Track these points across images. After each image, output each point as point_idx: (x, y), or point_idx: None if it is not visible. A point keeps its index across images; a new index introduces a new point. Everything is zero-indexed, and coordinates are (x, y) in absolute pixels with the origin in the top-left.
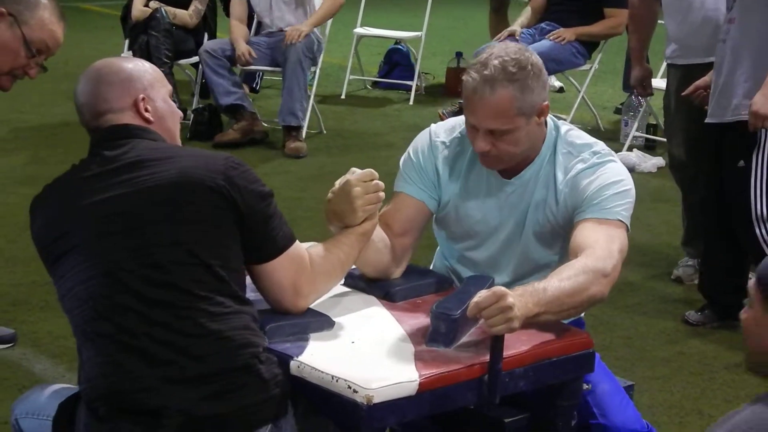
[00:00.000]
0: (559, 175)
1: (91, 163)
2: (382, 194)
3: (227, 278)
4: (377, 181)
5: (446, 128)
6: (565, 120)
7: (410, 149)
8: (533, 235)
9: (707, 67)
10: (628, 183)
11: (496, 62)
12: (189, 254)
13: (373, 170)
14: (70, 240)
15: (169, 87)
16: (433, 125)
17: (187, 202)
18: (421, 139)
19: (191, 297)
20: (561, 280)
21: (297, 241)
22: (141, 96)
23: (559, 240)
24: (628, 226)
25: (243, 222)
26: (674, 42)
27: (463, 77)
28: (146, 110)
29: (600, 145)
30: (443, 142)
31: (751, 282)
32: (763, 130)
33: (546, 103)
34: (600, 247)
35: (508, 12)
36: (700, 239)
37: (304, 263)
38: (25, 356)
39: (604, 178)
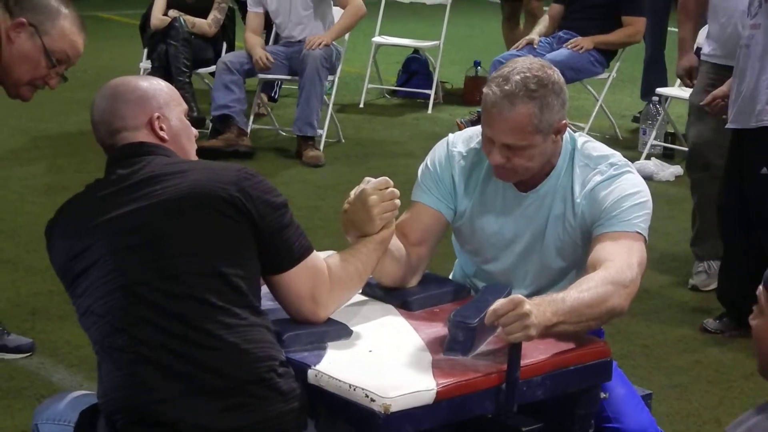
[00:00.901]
0: (577, 188)
1: (106, 183)
2: (398, 201)
3: (244, 289)
4: (393, 189)
5: (464, 138)
6: (583, 129)
7: (428, 159)
8: (553, 249)
9: None
10: (646, 194)
11: (517, 78)
12: (204, 265)
13: (387, 178)
14: (86, 259)
15: (185, 106)
16: (450, 135)
17: (201, 213)
18: (438, 149)
19: (208, 308)
20: (580, 291)
21: (315, 251)
22: (156, 114)
23: (578, 251)
24: (646, 237)
25: (258, 232)
26: (714, 41)
27: (484, 90)
28: (161, 128)
29: (617, 157)
30: (460, 153)
31: (760, 289)
32: None
33: (564, 122)
34: (619, 260)
35: (520, 20)
36: (707, 240)
37: (322, 273)
38: (43, 365)
39: (622, 190)
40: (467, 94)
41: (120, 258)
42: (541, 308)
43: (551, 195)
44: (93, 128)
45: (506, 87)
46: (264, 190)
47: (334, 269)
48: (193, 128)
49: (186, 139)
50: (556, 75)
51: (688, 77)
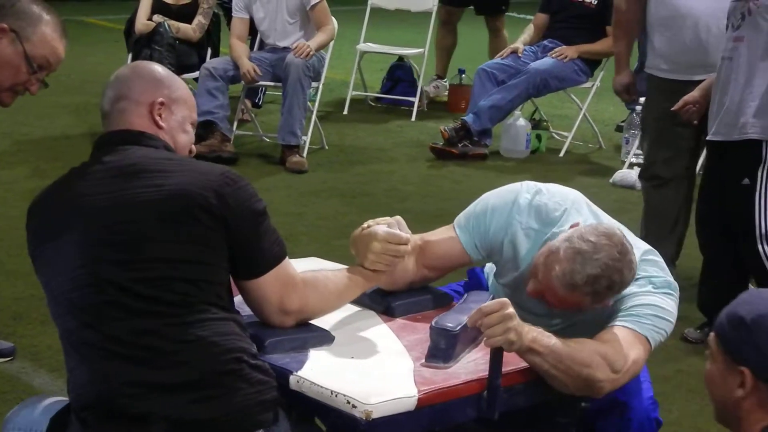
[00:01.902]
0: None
1: (91, 168)
2: (400, 260)
3: (213, 291)
4: (401, 248)
5: (530, 213)
6: (566, 138)
7: (491, 205)
8: (565, 331)
9: (695, 84)
10: (671, 317)
11: (594, 272)
12: (177, 270)
13: (404, 236)
14: (61, 245)
15: (194, 116)
16: (522, 194)
17: (179, 221)
18: (504, 206)
19: (177, 308)
20: (570, 343)
21: (287, 259)
22: (161, 100)
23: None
24: (651, 349)
25: (232, 239)
26: (660, 56)
27: (560, 245)
28: (159, 115)
29: (661, 278)
30: (521, 224)
31: (711, 336)
32: (767, 148)
33: (610, 302)
34: (620, 347)
35: (457, 25)
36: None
37: (293, 282)
38: (25, 370)
39: (651, 300)
40: (451, 103)
41: (93, 253)
42: (525, 328)
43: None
44: (102, 93)
45: (576, 276)
46: (244, 198)
47: (314, 283)
48: (192, 141)
49: (182, 139)
50: (629, 276)
51: (626, 93)
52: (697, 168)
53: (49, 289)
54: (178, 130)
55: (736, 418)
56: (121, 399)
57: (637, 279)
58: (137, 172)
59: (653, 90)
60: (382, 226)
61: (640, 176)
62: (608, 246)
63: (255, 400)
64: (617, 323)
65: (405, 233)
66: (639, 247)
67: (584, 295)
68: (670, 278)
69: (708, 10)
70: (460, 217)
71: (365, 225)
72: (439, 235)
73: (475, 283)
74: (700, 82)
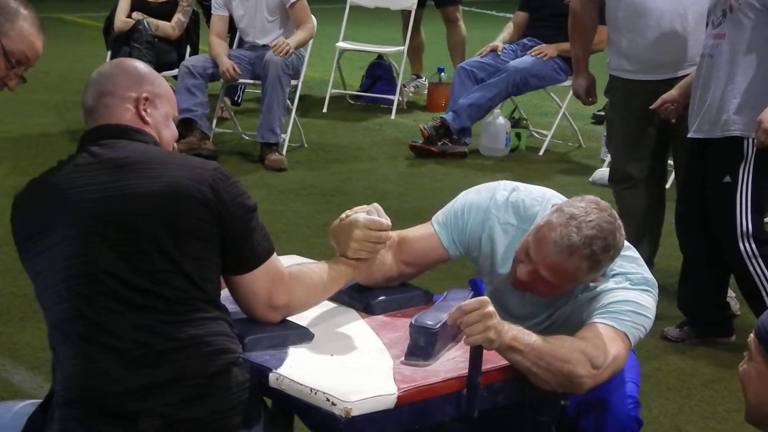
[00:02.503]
0: (589, 293)
1: (80, 161)
2: (381, 246)
3: (206, 288)
4: (382, 233)
5: (508, 207)
6: (546, 136)
7: (468, 201)
8: (545, 330)
9: (660, 83)
10: (649, 314)
11: (589, 232)
12: (172, 263)
13: (384, 222)
14: (53, 236)
15: (176, 113)
16: (499, 191)
17: (175, 213)
18: (481, 201)
19: (174, 304)
20: (550, 340)
21: (275, 254)
22: (145, 95)
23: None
24: (631, 346)
25: (225, 234)
26: (624, 57)
27: (552, 218)
28: (145, 110)
29: (639, 275)
30: (498, 219)
31: (751, 337)
32: (749, 146)
33: (599, 278)
34: (600, 342)
35: (420, 28)
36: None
37: (281, 277)
38: (4, 367)
39: (628, 296)
40: (431, 101)
41: (89, 244)
42: (505, 327)
43: (563, 299)
44: (84, 89)
45: (575, 237)
46: (236, 194)
47: (299, 277)
48: (175, 137)
49: (166, 133)
50: (621, 242)
51: (585, 96)
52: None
53: (40, 280)
54: (163, 125)
55: None
56: (111, 394)
57: (615, 275)
58: (130, 164)
59: (617, 91)
60: (361, 213)
61: (610, 180)
62: (598, 210)
63: (240, 400)
64: (596, 320)
65: (384, 219)
66: None
67: (582, 259)
68: (648, 275)
69: (671, 7)
70: (439, 214)
71: (343, 215)
72: (417, 231)
73: (477, 294)
74: (665, 80)
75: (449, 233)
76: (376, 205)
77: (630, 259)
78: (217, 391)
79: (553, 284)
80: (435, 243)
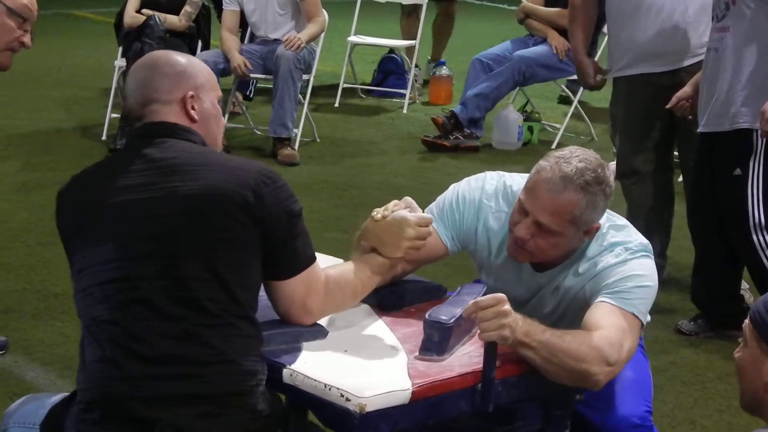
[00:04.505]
0: (590, 269)
1: (126, 159)
2: (426, 243)
3: (242, 298)
4: (431, 229)
5: (498, 195)
6: (558, 130)
7: (460, 193)
8: (556, 317)
9: (665, 75)
10: (653, 280)
11: (579, 165)
12: (210, 270)
13: (430, 217)
14: (94, 235)
15: (219, 92)
16: (488, 181)
17: (215, 216)
18: (472, 193)
19: (205, 314)
20: (564, 336)
21: (316, 262)
22: (190, 93)
23: (575, 324)
24: (644, 322)
25: (266, 240)
26: (624, 50)
27: (541, 162)
28: (193, 108)
29: (635, 243)
30: (491, 209)
31: (745, 323)
32: (758, 137)
33: (597, 225)
34: (613, 336)
35: (421, 16)
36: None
37: (319, 284)
38: (17, 364)
39: (630, 269)
40: (431, 95)
41: (127, 247)
42: (518, 322)
43: (563, 275)
44: (124, 97)
45: (566, 169)
46: (282, 198)
47: (333, 285)
48: (223, 126)
49: (215, 125)
50: (611, 179)
51: (593, 75)
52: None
53: (79, 278)
54: (211, 117)
55: (765, 403)
56: (132, 400)
57: (612, 248)
58: (176, 165)
59: (619, 87)
60: (404, 211)
61: (618, 175)
62: (582, 150)
63: (260, 424)
64: (603, 300)
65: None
66: (606, 216)
67: (577, 192)
68: (642, 239)
69: None
70: (432, 209)
71: (377, 215)
72: None
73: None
74: (666, 72)
75: (446, 229)
76: (409, 199)
77: (621, 228)
78: (237, 412)
79: (554, 231)
80: (433, 239)
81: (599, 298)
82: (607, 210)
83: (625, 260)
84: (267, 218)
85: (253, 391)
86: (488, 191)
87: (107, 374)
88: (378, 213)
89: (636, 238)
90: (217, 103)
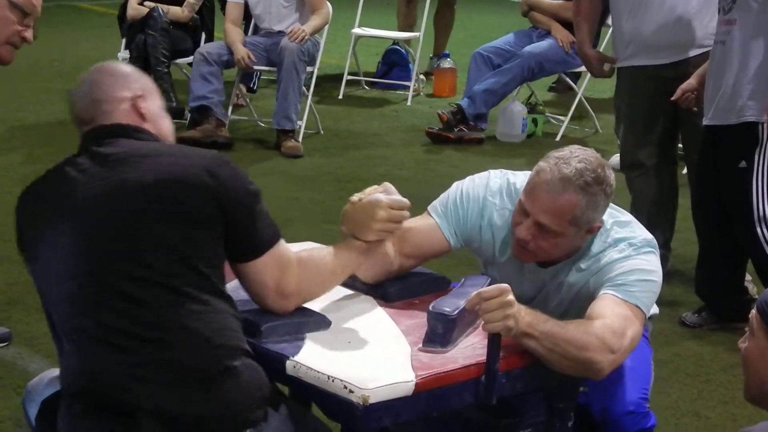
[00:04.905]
0: (594, 265)
1: (81, 161)
2: (401, 227)
3: (209, 275)
4: (405, 213)
5: (503, 192)
6: (562, 122)
7: (464, 191)
8: (560, 313)
9: (669, 67)
10: (657, 276)
11: (579, 165)
12: (174, 251)
13: (406, 201)
14: (56, 233)
15: (163, 102)
16: (492, 178)
17: (172, 199)
18: (476, 190)
19: (175, 295)
20: (566, 326)
21: (282, 241)
22: (139, 92)
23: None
24: (647, 315)
25: (227, 220)
26: (628, 42)
27: (541, 163)
28: (142, 107)
29: (638, 238)
30: (495, 206)
31: (752, 314)
32: (764, 130)
33: (599, 224)
34: (616, 324)
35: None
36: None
37: (289, 264)
38: (20, 355)
39: (634, 264)
40: (435, 87)
41: (88, 241)
42: (522, 313)
43: (567, 270)
44: (71, 108)
45: (565, 170)
46: (238, 177)
47: (309, 264)
48: (172, 126)
49: (165, 125)
50: (612, 179)
51: (600, 64)
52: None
53: (42, 277)
54: (160, 117)
55: None
56: (111, 390)
57: (616, 244)
58: (127, 157)
59: (623, 79)
60: (379, 194)
61: (622, 167)
62: (582, 150)
63: (245, 399)
64: (607, 292)
65: (403, 198)
66: (610, 212)
67: (577, 192)
68: (647, 234)
69: None
70: (436, 205)
71: (354, 198)
72: (417, 223)
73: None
74: (669, 64)
75: (450, 225)
76: (387, 184)
77: (625, 224)
78: (220, 390)
79: (555, 232)
80: (436, 234)
81: (602, 291)
82: (611, 205)
83: (628, 256)
84: (224, 196)
85: (234, 366)
86: (492, 188)
87: (84, 368)
88: (356, 197)
89: (640, 233)
90: (165, 113)
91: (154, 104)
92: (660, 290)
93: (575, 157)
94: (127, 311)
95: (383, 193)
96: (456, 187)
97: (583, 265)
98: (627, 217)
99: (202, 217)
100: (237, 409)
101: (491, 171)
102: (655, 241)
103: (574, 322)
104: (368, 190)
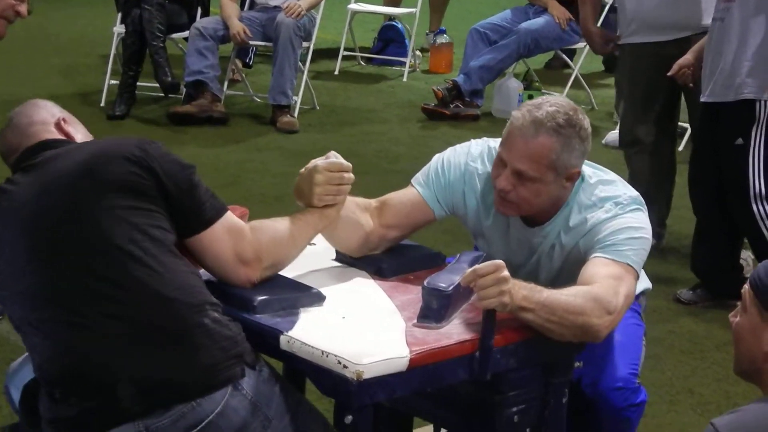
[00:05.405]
0: (582, 225)
1: (14, 178)
2: (346, 188)
3: (162, 238)
4: (345, 175)
5: (484, 157)
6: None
7: (445, 156)
8: (550, 279)
9: (671, 44)
10: (646, 233)
11: (550, 109)
12: (119, 221)
13: (343, 163)
14: (4, 245)
15: (87, 132)
16: (473, 145)
17: (104, 171)
18: (458, 155)
19: (131, 262)
20: (562, 294)
21: (230, 212)
22: (62, 117)
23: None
24: (639, 273)
25: (166, 190)
26: (630, 20)
27: (513, 112)
28: (67, 128)
29: (624, 196)
30: (477, 170)
31: (745, 289)
32: (762, 108)
33: (578, 170)
34: (608, 285)
35: None
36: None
37: (242, 231)
38: (13, 330)
39: (622, 223)
40: (432, 63)
41: (31, 232)
42: (516, 287)
43: (555, 230)
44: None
45: (537, 114)
46: (167, 152)
47: (262, 227)
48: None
49: None
50: (586, 123)
51: (604, 41)
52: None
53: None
54: (86, 137)
55: (762, 371)
56: (86, 369)
57: (603, 203)
58: (54, 158)
59: (625, 56)
60: (320, 159)
61: (621, 143)
62: (553, 97)
63: (220, 357)
64: (597, 255)
65: (342, 161)
66: (594, 171)
67: (550, 134)
68: (632, 191)
69: None
70: (418, 176)
71: (302, 170)
72: (399, 193)
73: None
74: (671, 42)
75: (432, 192)
76: (332, 152)
77: (609, 182)
78: (194, 350)
79: (533, 178)
80: (419, 203)
81: (592, 254)
82: (596, 165)
83: (616, 215)
84: (158, 168)
85: (204, 324)
86: (473, 154)
87: (55, 353)
88: (303, 169)
89: (625, 191)
90: (88, 135)
91: (78, 131)
92: (650, 247)
93: (547, 102)
94: (86, 289)
95: (326, 158)
96: (437, 157)
97: (570, 223)
98: (611, 176)
99: (135, 185)
100: (214, 368)
101: (472, 140)
102: (641, 198)
103: (568, 288)
104: (313, 161)
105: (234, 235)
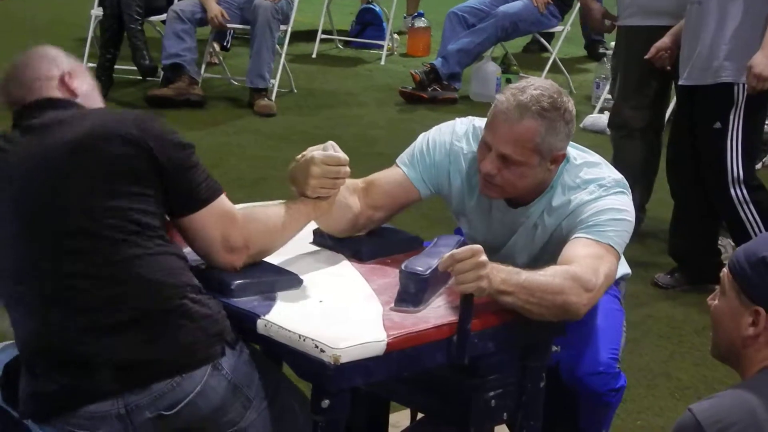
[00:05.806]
0: (565, 206)
1: (10, 135)
2: (341, 182)
3: (146, 221)
4: (341, 168)
5: (469, 136)
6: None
7: (430, 136)
8: (534, 258)
9: (663, 29)
10: (629, 216)
11: (534, 92)
12: (104, 201)
13: (343, 156)
14: None
15: (94, 84)
16: (458, 124)
17: (101, 150)
18: (443, 137)
19: (113, 243)
20: (539, 274)
21: (224, 196)
22: (67, 71)
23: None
24: (620, 254)
25: (161, 169)
26: (628, 4)
27: (497, 96)
28: (72, 83)
29: (608, 179)
30: (462, 150)
31: (724, 273)
32: (740, 91)
33: (563, 153)
34: (589, 264)
35: None
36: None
37: (233, 216)
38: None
39: (605, 204)
40: (410, 46)
41: (18, 206)
42: (494, 271)
43: (538, 211)
44: (3, 88)
45: (521, 97)
46: (166, 131)
47: (252, 214)
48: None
49: (97, 102)
50: (571, 105)
51: (604, 24)
52: (666, 116)
53: None
54: (90, 96)
55: (740, 355)
56: (64, 345)
57: (587, 185)
58: (52, 124)
59: (621, 38)
60: (317, 150)
61: (609, 125)
62: (537, 80)
63: (200, 336)
64: (579, 235)
65: (341, 154)
66: (579, 153)
67: (534, 118)
68: (617, 174)
69: None
70: (403, 156)
71: (299, 156)
72: (384, 173)
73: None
74: (664, 27)
75: (417, 172)
76: (331, 142)
77: (594, 164)
78: (172, 329)
79: (518, 162)
80: (404, 183)
81: (574, 235)
82: (581, 147)
83: (599, 197)
84: (155, 147)
85: (183, 304)
86: (459, 133)
87: (34, 328)
88: (299, 155)
89: (610, 174)
90: (96, 91)
91: (84, 83)
92: (632, 230)
93: (531, 86)
94: (68, 267)
95: (324, 150)
96: (422, 137)
97: (553, 203)
98: (596, 158)
99: (130, 168)
100: (193, 347)
101: (457, 119)
102: (625, 180)
103: (546, 269)
104: (311, 147)
105: (225, 220)
